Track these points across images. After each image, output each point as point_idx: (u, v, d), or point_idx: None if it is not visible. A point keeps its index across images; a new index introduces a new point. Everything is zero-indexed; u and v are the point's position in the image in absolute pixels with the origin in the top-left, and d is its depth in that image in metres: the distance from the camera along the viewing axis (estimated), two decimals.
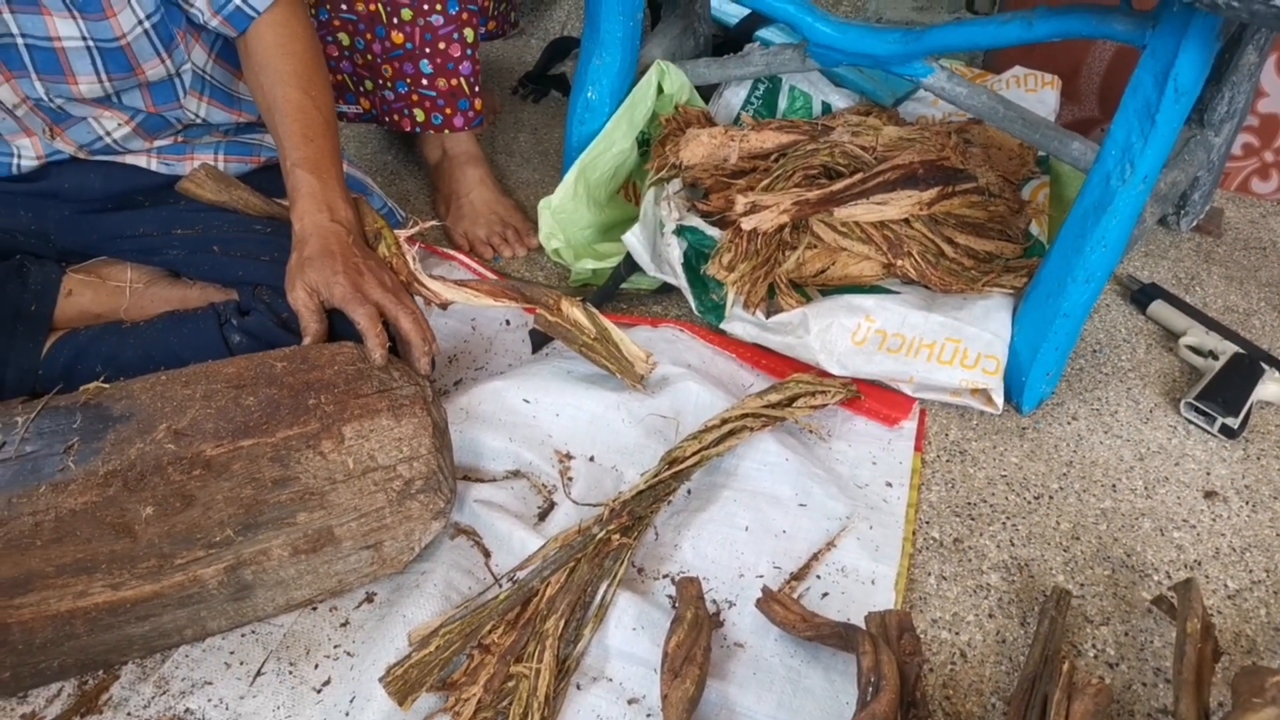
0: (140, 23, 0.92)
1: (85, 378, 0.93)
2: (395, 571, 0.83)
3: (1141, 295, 1.24)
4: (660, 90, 1.23)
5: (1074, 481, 0.99)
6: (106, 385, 0.80)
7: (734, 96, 1.35)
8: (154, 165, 1.04)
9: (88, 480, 0.71)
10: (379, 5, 1.21)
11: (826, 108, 1.35)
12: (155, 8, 0.92)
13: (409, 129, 1.31)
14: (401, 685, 0.73)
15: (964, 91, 1.13)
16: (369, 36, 1.24)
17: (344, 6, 1.22)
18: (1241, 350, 1.12)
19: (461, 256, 1.26)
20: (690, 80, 1.26)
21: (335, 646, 0.80)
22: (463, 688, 0.75)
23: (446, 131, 1.32)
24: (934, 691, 0.79)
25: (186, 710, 0.75)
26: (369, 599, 0.84)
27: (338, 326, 0.89)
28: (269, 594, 0.79)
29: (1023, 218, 1.20)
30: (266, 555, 0.76)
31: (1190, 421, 1.06)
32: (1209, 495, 0.98)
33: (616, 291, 1.20)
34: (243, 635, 0.81)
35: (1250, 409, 1.06)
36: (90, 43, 0.91)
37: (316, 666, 0.79)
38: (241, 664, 0.79)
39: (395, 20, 1.21)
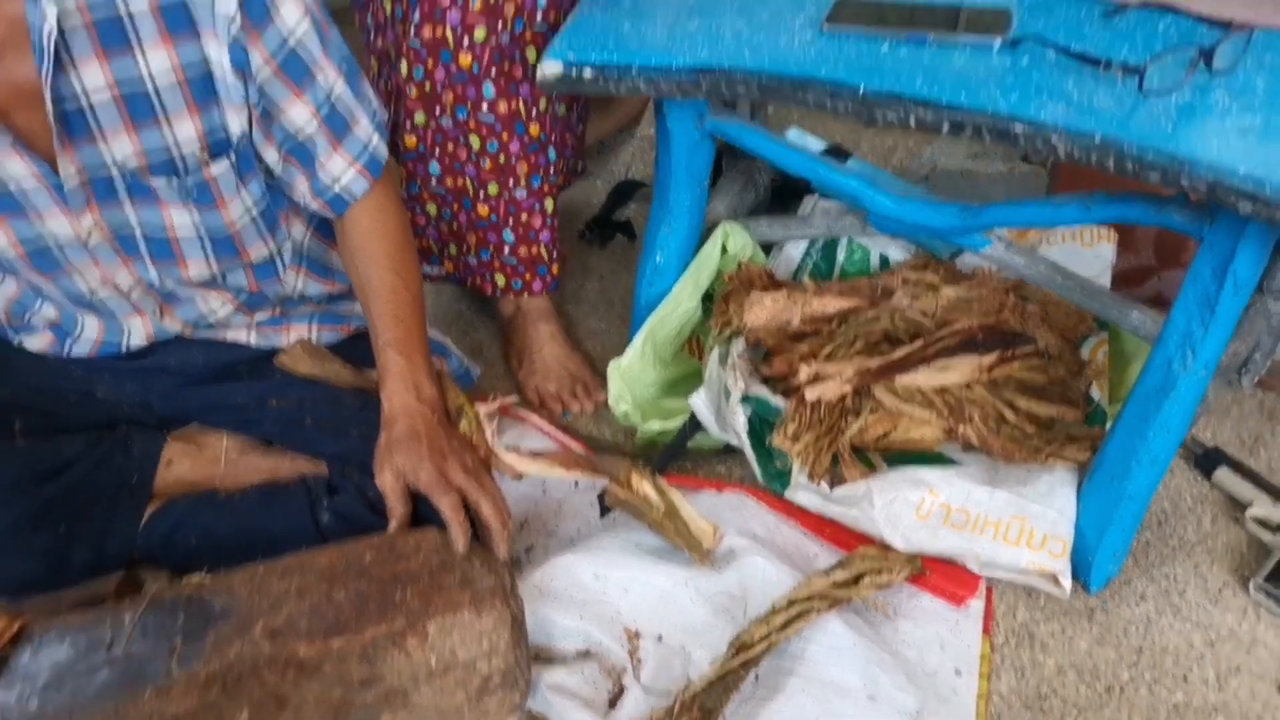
0: (248, 210, 0.98)
1: (182, 547, 0.99)
2: None
3: (1205, 460, 1.23)
4: (724, 250, 1.28)
5: (1144, 671, 0.98)
6: (208, 578, 0.84)
7: (794, 249, 1.40)
8: (253, 339, 1.10)
9: (189, 684, 0.75)
10: (466, 180, 1.27)
11: (884, 259, 1.39)
12: (261, 194, 0.97)
13: (490, 293, 1.38)
14: None
15: (1022, 261, 1.15)
16: (456, 208, 1.31)
17: (434, 182, 1.29)
18: None
19: (534, 418, 1.30)
20: (753, 238, 1.31)
21: None
22: None
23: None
24: None
25: None
26: None
27: (421, 505, 0.93)
28: None
29: (1083, 380, 1.21)
30: None
31: (1259, 604, 1.05)
32: None
33: (683, 451, 1.23)
34: None
35: None
36: (202, 231, 0.96)
37: None
38: None
39: (482, 195, 1.28)
